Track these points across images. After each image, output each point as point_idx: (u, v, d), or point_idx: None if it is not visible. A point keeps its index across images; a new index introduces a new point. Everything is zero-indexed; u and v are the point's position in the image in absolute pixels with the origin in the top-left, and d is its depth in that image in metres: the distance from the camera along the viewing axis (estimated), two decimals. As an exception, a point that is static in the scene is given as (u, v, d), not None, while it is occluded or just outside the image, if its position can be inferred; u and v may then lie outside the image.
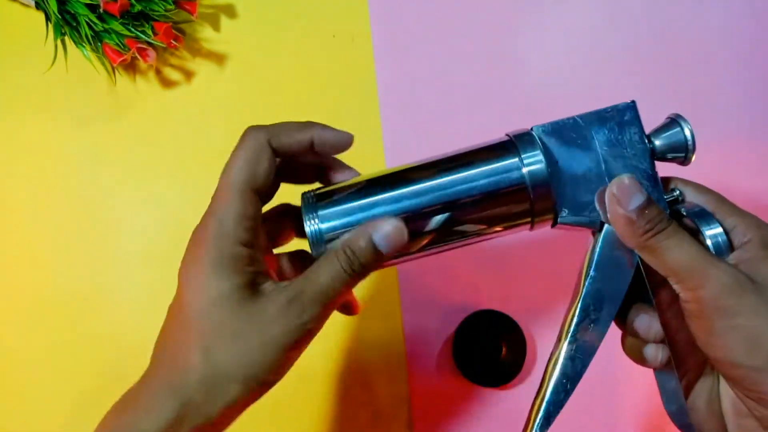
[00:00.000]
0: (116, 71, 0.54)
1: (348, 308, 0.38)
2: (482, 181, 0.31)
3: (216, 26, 0.56)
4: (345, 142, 0.35)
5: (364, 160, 0.54)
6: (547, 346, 0.54)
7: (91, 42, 0.50)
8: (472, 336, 0.51)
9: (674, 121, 0.32)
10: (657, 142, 0.32)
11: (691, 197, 0.32)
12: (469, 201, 0.31)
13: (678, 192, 0.32)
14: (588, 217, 0.32)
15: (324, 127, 0.34)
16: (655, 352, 0.32)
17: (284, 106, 0.55)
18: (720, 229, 0.30)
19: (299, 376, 0.52)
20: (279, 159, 0.33)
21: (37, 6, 0.51)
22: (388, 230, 0.30)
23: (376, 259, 0.31)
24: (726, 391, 0.31)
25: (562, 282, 0.54)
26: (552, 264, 0.53)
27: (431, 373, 0.52)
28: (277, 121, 0.56)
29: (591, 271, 0.31)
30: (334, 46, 0.56)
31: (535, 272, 0.54)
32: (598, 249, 0.31)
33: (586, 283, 0.31)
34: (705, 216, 0.31)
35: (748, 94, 0.57)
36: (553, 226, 0.32)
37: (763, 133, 0.57)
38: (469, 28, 0.57)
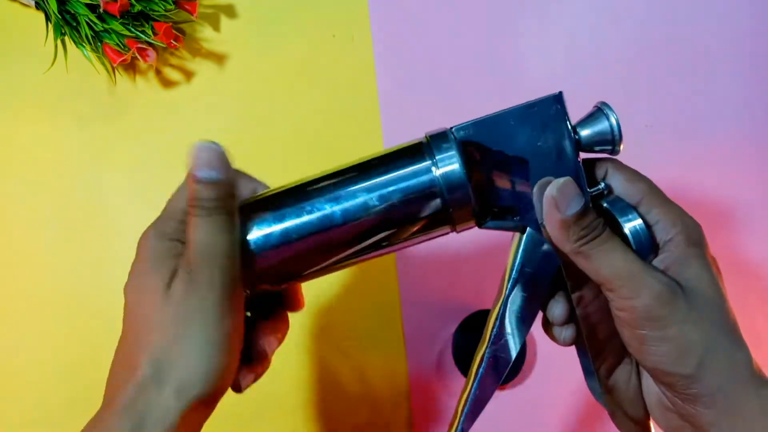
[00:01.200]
0: (116, 71, 0.54)
1: (290, 302, 0.36)
2: (392, 187, 0.29)
3: (216, 26, 0.56)
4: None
5: (364, 160, 0.54)
6: (547, 347, 0.54)
7: (91, 42, 0.50)
8: (472, 336, 0.51)
9: (599, 110, 0.30)
10: (583, 133, 0.30)
11: (620, 185, 0.31)
12: (380, 209, 0.29)
13: (603, 185, 0.31)
14: (512, 221, 0.31)
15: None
16: (560, 332, 0.33)
17: (284, 106, 0.55)
18: (639, 221, 0.29)
19: (300, 375, 0.52)
20: None
21: (37, 6, 0.51)
22: (196, 153, 0.32)
23: (207, 188, 0.31)
24: (649, 385, 0.31)
25: (562, 282, 0.54)
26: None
27: (431, 373, 0.52)
28: (275, 121, 0.56)
29: (513, 273, 0.31)
30: (334, 46, 0.56)
31: (535, 272, 0.54)
32: (521, 250, 0.31)
33: (509, 284, 0.31)
34: (626, 209, 0.30)
35: (748, 94, 0.57)
36: (479, 227, 0.31)
37: (764, 133, 0.57)
38: (469, 28, 0.57)
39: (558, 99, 0.31)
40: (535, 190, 0.30)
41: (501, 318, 0.31)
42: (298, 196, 0.31)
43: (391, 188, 0.29)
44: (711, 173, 0.56)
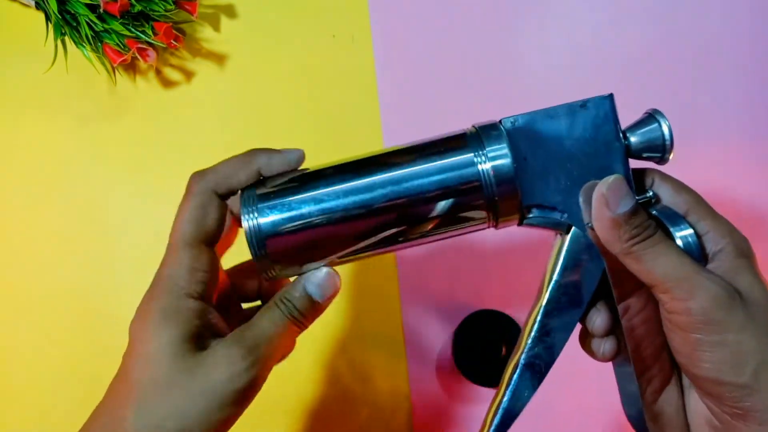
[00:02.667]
0: (116, 71, 0.54)
1: None
2: (438, 177, 0.28)
3: (216, 26, 0.56)
4: (294, 161, 0.34)
5: (364, 160, 0.54)
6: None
7: (92, 42, 0.50)
8: (472, 336, 0.51)
9: (651, 116, 0.30)
10: (633, 139, 0.30)
11: (667, 195, 0.30)
12: (422, 198, 0.28)
13: (651, 194, 0.30)
14: (557, 218, 0.29)
15: (269, 152, 0.33)
16: (600, 345, 0.31)
17: (284, 106, 0.55)
18: (691, 231, 0.29)
19: (300, 376, 0.52)
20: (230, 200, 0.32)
21: (37, 6, 0.51)
22: (320, 278, 0.30)
23: (313, 308, 0.31)
24: (696, 404, 0.30)
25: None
26: (552, 264, 0.53)
27: (431, 373, 0.52)
28: (275, 121, 0.56)
29: (555, 275, 0.29)
30: (334, 46, 0.56)
31: (535, 272, 0.54)
32: (564, 252, 0.29)
33: (550, 288, 0.30)
34: (675, 218, 0.29)
35: (749, 95, 0.57)
36: (519, 224, 0.30)
37: (765, 134, 0.57)
38: (469, 28, 0.57)
39: (610, 100, 0.30)
40: (582, 191, 0.29)
41: (540, 323, 0.30)
42: (335, 178, 0.30)
43: (437, 177, 0.28)
44: (711, 173, 0.56)
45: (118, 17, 0.49)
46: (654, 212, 0.30)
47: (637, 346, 0.30)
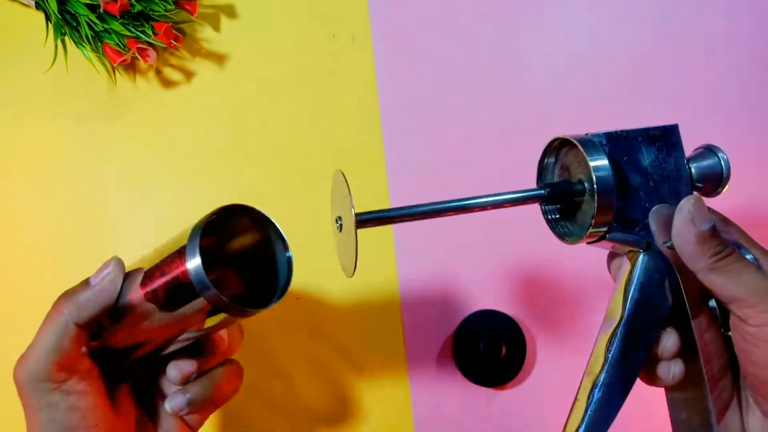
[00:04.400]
0: (116, 71, 0.54)
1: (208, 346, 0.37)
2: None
3: (216, 26, 0.56)
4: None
5: (364, 161, 0.54)
6: (548, 347, 0.54)
7: (92, 42, 0.50)
8: (472, 336, 0.51)
9: (711, 151, 0.32)
10: (693, 170, 0.31)
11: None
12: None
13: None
14: (637, 234, 0.30)
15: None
16: (669, 368, 0.32)
17: (284, 106, 0.55)
18: (751, 255, 0.30)
19: (299, 376, 0.52)
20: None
21: (37, 6, 0.51)
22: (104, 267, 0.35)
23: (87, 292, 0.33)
24: (757, 423, 0.30)
25: (562, 282, 0.54)
26: (552, 264, 0.53)
27: (431, 373, 0.52)
28: (275, 121, 0.56)
29: (633, 292, 0.30)
30: (334, 46, 0.56)
31: (535, 272, 0.54)
32: (639, 269, 0.30)
33: (629, 305, 0.30)
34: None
35: (750, 94, 0.57)
36: (601, 239, 0.31)
37: (765, 133, 0.57)
38: (469, 28, 0.57)
39: (676, 130, 0.32)
40: (652, 214, 0.30)
41: (622, 340, 0.30)
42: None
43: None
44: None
45: (118, 17, 0.49)
46: None
47: (708, 363, 0.30)
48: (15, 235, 0.52)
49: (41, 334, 0.32)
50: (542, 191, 0.31)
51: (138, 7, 0.50)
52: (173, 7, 0.51)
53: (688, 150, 0.32)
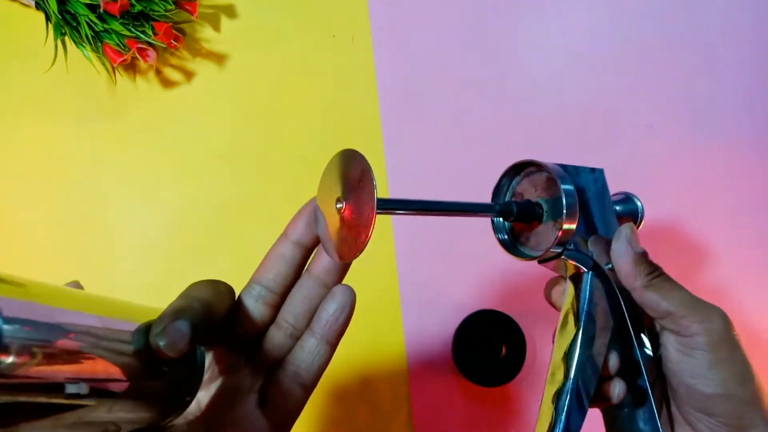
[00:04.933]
0: (116, 71, 0.54)
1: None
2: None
3: (216, 26, 0.56)
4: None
5: (364, 160, 0.54)
6: (548, 347, 0.54)
7: (92, 42, 0.50)
8: (472, 336, 0.51)
9: (629, 198, 0.38)
10: (617, 208, 0.36)
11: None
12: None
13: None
14: (585, 255, 0.33)
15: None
16: (614, 387, 0.33)
17: (284, 106, 0.55)
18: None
19: (299, 376, 0.52)
20: None
21: (37, 6, 0.51)
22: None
23: None
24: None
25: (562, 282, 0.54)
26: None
27: (431, 373, 0.52)
28: (275, 121, 0.56)
29: (585, 306, 0.32)
30: (334, 46, 0.56)
31: (535, 272, 0.54)
32: (588, 287, 0.33)
33: (583, 318, 0.32)
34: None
35: (748, 95, 0.57)
36: (557, 257, 0.33)
37: (765, 133, 0.57)
38: (469, 28, 0.57)
39: (603, 173, 0.36)
40: (592, 241, 0.33)
41: (582, 351, 0.31)
42: None
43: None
44: (711, 173, 0.56)
45: (118, 17, 0.49)
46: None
47: (650, 379, 0.32)
48: (15, 235, 0.52)
49: None
50: (512, 207, 0.33)
51: (138, 7, 0.50)
52: (173, 7, 0.51)
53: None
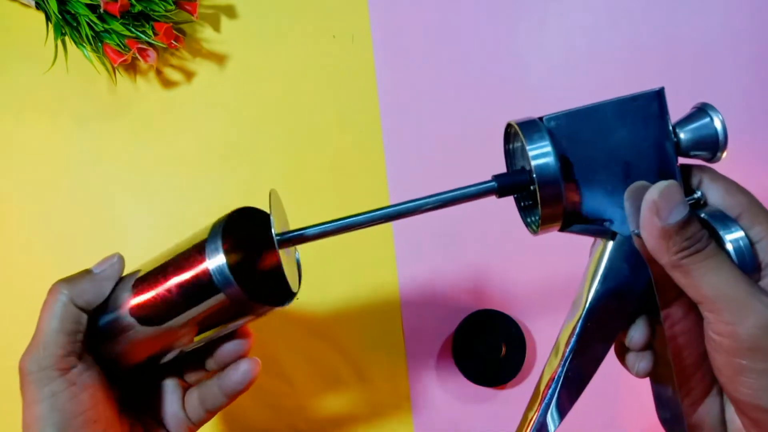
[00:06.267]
0: (117, 71, 0.54)
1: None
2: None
3: (216, 26, 0.56)
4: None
5: (364, 161, 0.55)
6: (547, 347, 0.54)
7: (92, 42, 0.50)
8: (472, 336, 0.51)
9: (703, 111, 0.28)
10: (682, 136, 0.27)
11: (717, 197, 0.28)
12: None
13: (699, 194, 0.28)
14: (600, 225, 0.28)
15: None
16: (635, 361, 0.30)
17: (284, 106, 0.55)
18: (742, 234, 0.26)
19: (299, 376, 0.52)
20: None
21: (37, 6, 0.51)
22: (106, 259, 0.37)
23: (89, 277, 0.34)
24: (735, 417, 0.29)
25: (562, 282, 0.54)
26: (552, 263, 0.54)
27: (431, 373, 0.52)
28: (275, 122, 0.56)
29: (596, 284, 0.28)
30: (334, 46, 0.56)
31: (535, 272, 0.54)
32: (606, 260, 0.28)
33: (591, 298, 0.28)
34: (726, 221, 0.27)
35: (749, 94, 0.57)
36: (562, 229, 0.29)
37: (765, 133, 0.57)
38: (469, 28, 0.57)
39: (660, 95, 0.28)
40: (626, 194, 0.27)
41: (580, 335, 0.28)
42: None
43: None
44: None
45: (119, 17, 0.49)
46: (703, 215, 0.27)
47: (678, 356, 0.28)
48: (15, 235, 0.53)
49: (43, 320, 0.32)
50: (493, 184, 0.28)
51: (138, 7, 0.50)
52: (173, 7, 0.51)
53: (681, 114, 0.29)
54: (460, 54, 0.56)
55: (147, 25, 0.51)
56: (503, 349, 0.51)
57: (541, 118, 0.28)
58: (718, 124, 0.27)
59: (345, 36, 0.56)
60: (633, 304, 0.28)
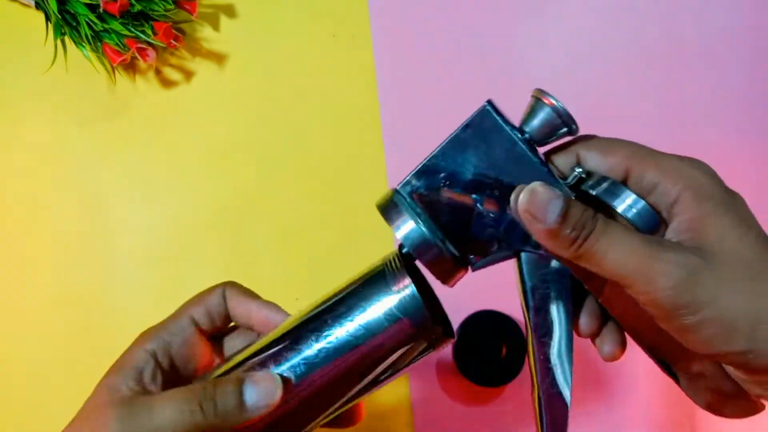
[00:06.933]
0: (116, 71, 0.54)
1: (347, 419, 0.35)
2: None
3: (216, 26, 0.55)
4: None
5: (364, 161, 0.54)
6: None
7: (91, 42, 0.50)
8: (472, 336, 0.51)
9: (535, 99, 0.28)
10: (530, 131, 0.27)
11: (598, 163, 0.27)
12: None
13: (578, 171, 0.27)
14: (499, 253, 0.28)
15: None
16: (600, 347, 0.29)
17: (284, 106, 0.55)
18: (632, 197, 0.25)
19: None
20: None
21: (37, 6, 0.51)
22: (264, 386, 0.27)
23: (235, 412, 0.27)
24: None
25: (562, 282, 0.54)
26: (552, 264, 0.53)
27: (431, 373, 0.52)
28: (275, 122, 0.56)
29: (528, 301, 0.28)
30: (334, 46, 0.56)
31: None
32: (525, 275, 0.28)
33: (531, 316, 0.28)
34: (614, 189, 0.26)
35: (750, 94, 0.57)
36: (473, 270, 0.29)
37: (764, 133, 0.57)
38: (469, 28, 0.57)
39: (488, 109, 0.28)
40: (513, 212, 0.26)
41: (540, 353, 0.28)
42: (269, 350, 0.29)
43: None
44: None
45: (118, 17, 0.49)
46: (590, 191, 0.26)
47: (636, 331, 0.28)
48: (15, 235, 0.52)
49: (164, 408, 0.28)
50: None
51: (138, 7, 0.50)
52: (173, 6, 0.51)
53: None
54: (460, 54, 0.56)
55: (146, 25, 0.51)
56: (503, 350, 0.51)
57: (396, 189, 0.29)
58: (549, 104, 0.27)
59: (345, 36, 0.56)
60: (569, 304, 0.28)
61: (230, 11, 0.56)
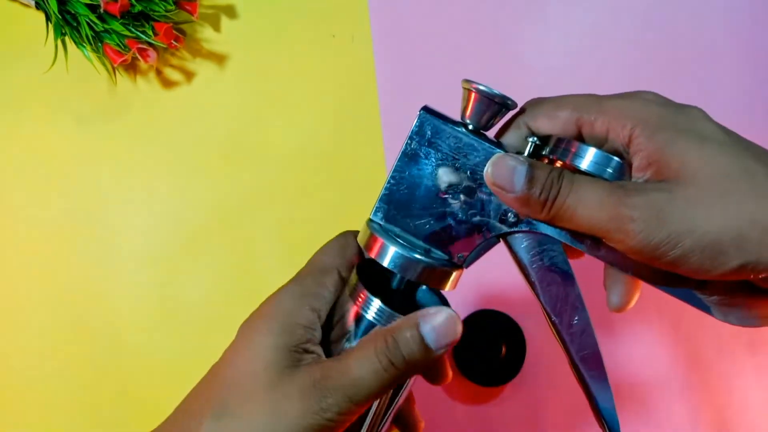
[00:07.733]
0: (117, 71, 0.54)
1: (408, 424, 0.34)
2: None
3: (216, 27, 0.56)
4: None
5: (363, 161, 0.55)
6: (547, 346, 0.54)
7: (92, 42, 0.50)
8: (472, 336, 0.51)
9: (465, 90, 0.29)
10: (472, 120, 0.28)
11: (548, 126, 0.28)
12: None
13: (532, 139, 0.27)
14: (483, 242, 0.28)
15: None
16: (609, 301, 0.29)
17: (284, 106, 0.55)
18: (590, 150, 0.25)
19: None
20: None
21: (37, 6, 0.51)
22: (440, 320, 0.27)
23: (422, 355, 0.26)
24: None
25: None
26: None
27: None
28: (275, 122, 0.56)
29: (531, 279, 0.28)
30: (334, 46, 0.56)
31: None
32: (517, 254, 0.28)
33: (539, 294, 0.28)
34: (569, 146, 0.26)
35: (750, 92, 0.57)
36: (467, 266, 0.30)
37: (766, 134, 0.57)
38: (469, 28, 0.57)
39: (424, 116, 0.29)
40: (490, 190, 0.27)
41: (557, 322, 0.28)
42: None
43: None
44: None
45: (119, 17, 0.49)
46: (551, 157, 0.27)
47: (640, 275, 0.27)
48: (14, 235, 0.52)
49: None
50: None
51: (138, 8, 0.50)
52: (173, 7, 0.51)
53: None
54: (461, 53, 0.56)
55: (147, 25, 0.51)
56: (503, 349, 0.51)
57: (369, 220, 0.29)
58: (480, 89, 0.28)
59: (345, 36, 0.56)
60: (569, 268, 0.28)
61: (231, 12, 0.56)
